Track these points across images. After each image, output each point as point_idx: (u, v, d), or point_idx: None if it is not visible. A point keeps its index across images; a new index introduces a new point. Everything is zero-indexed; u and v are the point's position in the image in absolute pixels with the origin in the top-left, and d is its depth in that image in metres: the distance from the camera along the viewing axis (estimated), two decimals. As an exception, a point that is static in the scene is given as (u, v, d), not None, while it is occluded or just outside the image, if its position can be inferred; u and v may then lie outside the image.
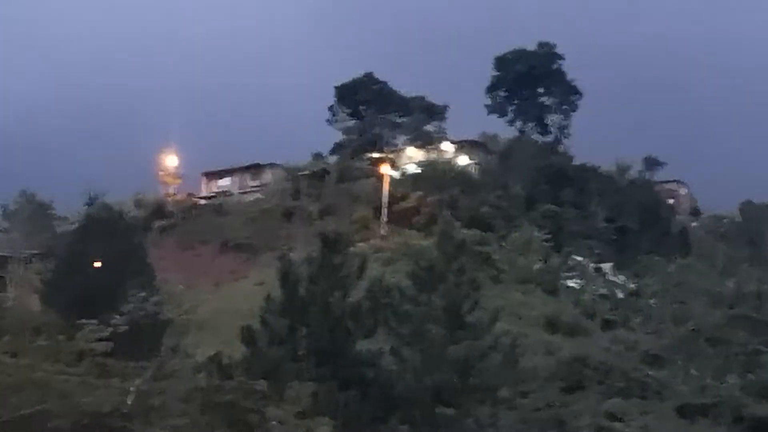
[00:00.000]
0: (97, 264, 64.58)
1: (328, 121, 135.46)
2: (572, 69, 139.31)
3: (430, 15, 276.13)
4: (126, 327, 40.29)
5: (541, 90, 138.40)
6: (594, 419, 59.20)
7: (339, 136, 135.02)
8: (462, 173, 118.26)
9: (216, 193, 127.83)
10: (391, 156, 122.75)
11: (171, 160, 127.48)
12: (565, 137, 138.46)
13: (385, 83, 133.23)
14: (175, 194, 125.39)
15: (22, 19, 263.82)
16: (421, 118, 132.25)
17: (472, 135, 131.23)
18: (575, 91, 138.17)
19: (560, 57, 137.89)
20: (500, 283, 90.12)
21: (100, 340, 34.87)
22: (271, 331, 44.53)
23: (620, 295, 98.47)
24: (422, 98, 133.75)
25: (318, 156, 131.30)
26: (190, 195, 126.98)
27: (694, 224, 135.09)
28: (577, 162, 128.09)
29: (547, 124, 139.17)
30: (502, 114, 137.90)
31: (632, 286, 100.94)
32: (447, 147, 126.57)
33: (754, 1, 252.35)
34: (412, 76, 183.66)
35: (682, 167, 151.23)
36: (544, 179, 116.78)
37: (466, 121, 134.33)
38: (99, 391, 29.70)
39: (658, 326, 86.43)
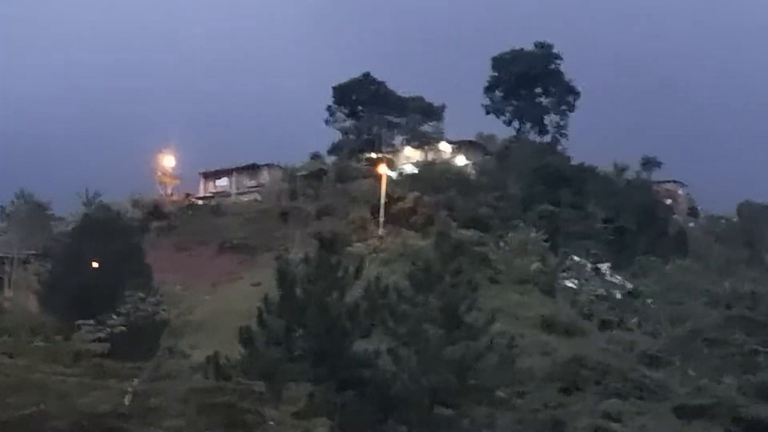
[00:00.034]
0: (95, 265, 64.58)
1: (325, 121, 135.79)
2: (571, 69, 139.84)
3: (429, 15, 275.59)
4: (123, 328, 40.45)
5: (538, 90, 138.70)
6: (591, 420, 59.19)
7: (337, 137, 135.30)
8: (459, 173, 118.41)
9: (213, 193, 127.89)
10: (388, 156, 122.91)
11: (168, 161, 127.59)
12: (562, 137, 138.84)
13: (382, 83, 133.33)
14: (172, 195, 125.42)
15: (21, 20, 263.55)
16: (419, 118, 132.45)
17: (470, 135, 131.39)
18: (573, 91, 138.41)
19: (558, 57, 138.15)
20: (497, 283, 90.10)
21: (98, 340, 34.94)
22: (268, 331, 44.55)
23: (618, 295, 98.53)
24: (420, 98, 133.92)
25: (316, 156, 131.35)
26: (187, 195, 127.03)
27: (691, 224, 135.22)
28: (574, 162, 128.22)
29: (544, 125, 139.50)
30: (500, 114, 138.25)
31: (630, 286, 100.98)
32: (444, 147, 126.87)
33: (753, 1, 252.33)
34: (411, 76, 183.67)
35: (680, 167, 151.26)
36: (541, 179, 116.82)
37: (464, 122, 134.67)
38: (96, 391, 29.72)
39: (656, 327, 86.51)
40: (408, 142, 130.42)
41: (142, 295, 55.93)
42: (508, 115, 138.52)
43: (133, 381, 30.93)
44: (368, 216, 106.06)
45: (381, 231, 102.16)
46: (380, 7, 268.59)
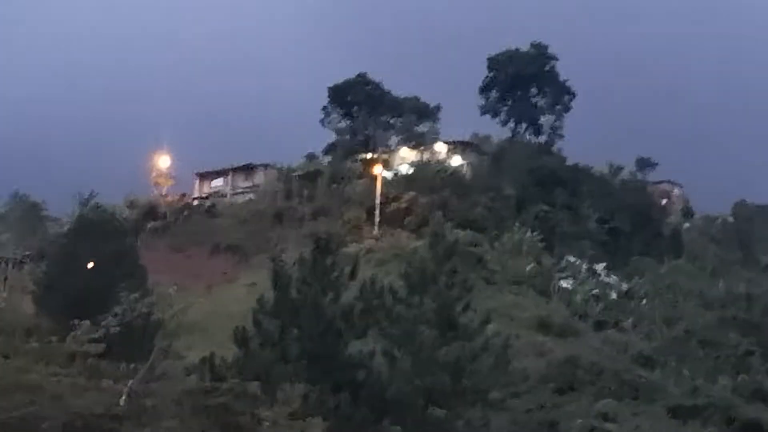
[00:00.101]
0: (90, 266, 64.47)
1: (321, 121, 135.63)
2: (568, 70, 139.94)
3: (426, 16, 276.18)
4: (118, 329, 40.36)
5: (534, 91, 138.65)
6: (586, 420, 59.20)
7: (332, 137, 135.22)
8: (454, 174, 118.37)
9: (209, 193, 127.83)
10: (384, 157, 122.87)
11: (163, 161, 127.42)
12: (558, 138, 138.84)
13: (378, 84, 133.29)
14: (167, 195, 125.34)
15: (21, 20, 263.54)
16: (414, 118, 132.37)
17: (466, 136, 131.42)
18: (568, 92, 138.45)
19: (553, 58, 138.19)
20: (492, 284, 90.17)
21: (93, 341, 34.92)
22: (263, 332, 44.47)
23: (613, 296, 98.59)
24: (415, 99, 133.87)
25: (311, 157, 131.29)
26: (183, 196, 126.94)
27: (686, 225, 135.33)
28: (570, 163, 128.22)
29: (540, 125, 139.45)
30: (495, 115, 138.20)
31: (625, 287, 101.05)
32: (440, 148, 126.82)
33: (751, 2, 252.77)
34: (407, 76, 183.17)
35: (676, 168, 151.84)
36: (536, 180, 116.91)
37: (459, 122, 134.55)
38: (91, 392, 29.76)
39: (651, 327, 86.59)
40: (403, 143, 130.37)
41: (136, 296, 55.72)
42: (503, 115, 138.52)
43: (128, 382, 30.92)
44: (363, 217, 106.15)
45: (376, 232, 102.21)
46: (378, 8, 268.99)
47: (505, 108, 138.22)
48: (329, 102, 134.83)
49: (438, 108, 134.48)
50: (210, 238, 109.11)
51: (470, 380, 45.60)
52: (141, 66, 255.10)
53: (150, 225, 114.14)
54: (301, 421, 33.55)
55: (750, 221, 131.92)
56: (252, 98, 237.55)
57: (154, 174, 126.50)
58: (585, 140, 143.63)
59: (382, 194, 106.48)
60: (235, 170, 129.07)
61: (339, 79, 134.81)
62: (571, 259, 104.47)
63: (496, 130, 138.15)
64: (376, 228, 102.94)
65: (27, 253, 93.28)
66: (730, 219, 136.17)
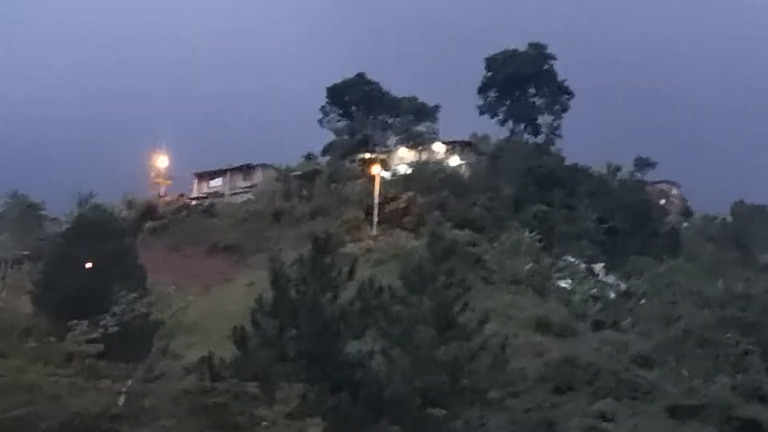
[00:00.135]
0: (88, 265, 64.49)
1: (319, 121, 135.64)
2: (567, 70, 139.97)
3: (426, 16, 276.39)
4: (116, 329, 40.35)
5: (532, 90, 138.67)
6: (584, 420, 59.22)
7: (330, 137, 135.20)
8: (453, 174, 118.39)
9: (207, 193, 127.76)
10: (382, 157, 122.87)
11: (162, 161, 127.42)
12: (556, 137, 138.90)
13: (376, 84, 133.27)
14: (165, 195, 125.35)
15: (21, 20, 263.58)
16: (412, 118, 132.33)
17: (464, 136, 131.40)
18: (566, 92, 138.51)
19: (551, 57, 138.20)
20: (491, 284, 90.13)
21: (91, 341, 34.89)
22: (261, 332, 44.49)
23: (611, 295, 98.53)
24: (413, 99, 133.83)
25: (309, 156, 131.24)
26: (181, 196, 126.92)
27: (685, 225, 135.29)
28: (568, 162, 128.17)
29: (538, 125, 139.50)
30: (494, 114, 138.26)
31: (623, 286, 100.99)
32: (438, 148, 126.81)
33: (749, 2, 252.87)
34: (407, 76, 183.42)
35: (674, 168, 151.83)
36: (534, 180, 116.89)
37: (458, 122, 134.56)
38: (88, 392, 29.75)
39: (649, 327, 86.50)
40: (401, 143, 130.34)
41: (135, 295, 55.77)
42: (501, 115, 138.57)
43: (126, 382, 30.92)
44: (362, 216, 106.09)
45: (374, 231, 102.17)
46: (377, 8, 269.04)
47: (504, 108, 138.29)
48: (327, 102, 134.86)
49: (436, 108, 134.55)
50: (208, 238, 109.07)
51: (468, 380, 45.68)
52: (141, 66, 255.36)
53: (148, 225, 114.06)
54: (299, 420, 33.56)
55: (748, 221, 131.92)
56: (251, 98, 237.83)
57: (152, 174, 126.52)
58: (584, 140, 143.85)
59: (380, 194, 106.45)
60: (234, 170, 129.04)
61: (338, 79, 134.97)
62: (570, 258, 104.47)
63: (495, 130, 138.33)
64: (374, 228, 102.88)
65: (25, 252, 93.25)
66: (729, 219, 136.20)
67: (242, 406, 31.61)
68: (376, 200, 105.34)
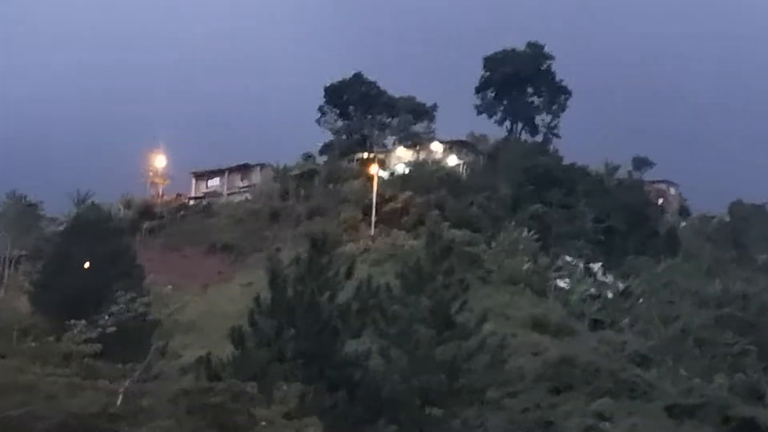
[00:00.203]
0: (86, 265, 64.53)
1: (317, 121, 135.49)
2: (566, 69, 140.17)
3: (424, 16, 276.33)
4: (114, 328, 40.36)
5: (530, 90, 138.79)
6: (582, 419, 59.23)
7: (328, 137, 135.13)
8: (450, 174, 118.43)
9: (205, 193, 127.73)
10: (380, 156, 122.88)
11: (160, 161, 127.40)
12: (554, 137, 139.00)
13: (374, 83, 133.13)
14: (163, 195, 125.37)
15: (21, 20, 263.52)
16: (410, 118, 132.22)
17: (462, 135, 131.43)
18: (564, 91, 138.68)
19: (549, 57, 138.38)
20: (488, 283, 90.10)
21: (89, 341, 34.90)
22: (259, 332, 44.49)
23: (609, 295, 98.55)
24: (411, 99, 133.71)
25: (307, 156, 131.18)
26: (179, 195, 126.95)
27: (683, 224, 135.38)
28: (566, 162, 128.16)
29: (536, 124, 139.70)
30: (491, 114, 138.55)
31: (621, 286, 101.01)
32: (436, 147, 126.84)
33: (749, 2, 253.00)
34: (405, 76, 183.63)
35: (672, 167, 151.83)
36: (531, 180, 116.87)
37: (456, 122, 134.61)
38: (86, 392, 29.72)
39: (647, 326, 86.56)
40: (399, 143, 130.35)
41: (132, 295, 55.77)
42: (499, 115, 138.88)
43: (124, 382, 30.90)
44: (359, 216, 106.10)
45: (372, 231, 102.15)
46: (376, 8, 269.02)
47: (501, 107, 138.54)
48: (325, 102, 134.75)
49: (434, 108, 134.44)
50: (206, 238, 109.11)
51: (466, 379, 45.65)
52: (141, 66, 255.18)
53: (146, 224, 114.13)
54: (297, 420, 33.52)
55: (746, 221, 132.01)
56: (250, 98, 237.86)
57: (150, 174, 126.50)
58: (584, 140, 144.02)
59: (378, 194, 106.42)
60: (231, 170, 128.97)
61: (337, 79, 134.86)
62: (567, 258, 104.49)
63: (492, 130, 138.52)
64: (372, 228, 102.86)
65: (23, 252, 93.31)
66: (726, 218, 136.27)
67: (240, 406, 31.58)
68: (374, 200, 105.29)
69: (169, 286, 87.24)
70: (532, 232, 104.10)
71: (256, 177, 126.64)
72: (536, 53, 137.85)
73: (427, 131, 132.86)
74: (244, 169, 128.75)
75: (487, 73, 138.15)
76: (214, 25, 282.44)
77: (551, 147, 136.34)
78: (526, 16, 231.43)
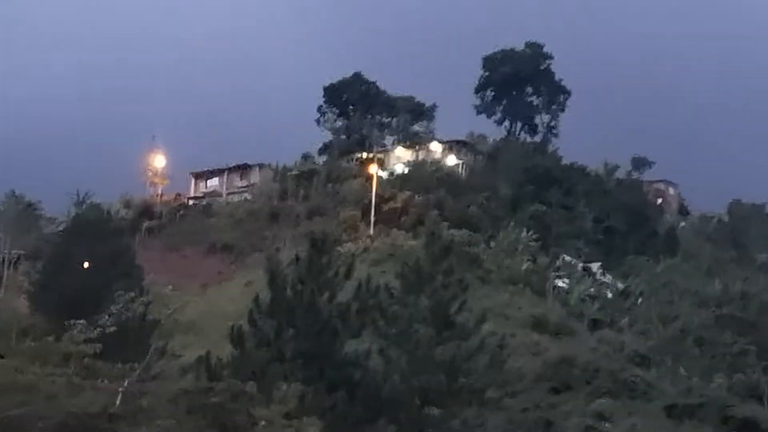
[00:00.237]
0: (85, 265, 64.52)
1: (317, 121, 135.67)
2: (567, 69, 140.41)
3: (423, 16, 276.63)
4: (114, 328, 40.29)
5: (529, 90, 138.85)
6: (581, 420, 59.20)
7: (328, 137, 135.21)
8: (450, 173, 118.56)
9: (204, 193, 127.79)
10: (379, 156, 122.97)
11: (159, 161, 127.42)
12: (553, 137, 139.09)
13: (373, 83, 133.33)
14: (162, 195, 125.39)
15: (21, 20, 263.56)
16: (409, 118, 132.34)
17: (462, 135, 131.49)
18: (564, 91, 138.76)
19: (548, 57, 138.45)
20: (488, 283, 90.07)
21: (88, 341, 34.84)
22: (259, 332, 44.48)
23: (608, 295, 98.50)
24: (410, 98, 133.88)
25: (307, 156, 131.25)
26: (178, 195, 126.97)
27: (682, 224, 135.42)
28: (566, 162, 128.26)
29: (535, 124, 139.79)
30: (491, 114, 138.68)
31: (620, 286, 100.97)
32: (435, 147, 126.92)
33: (749, 2, 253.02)
34: (404, 76, 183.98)
35: (671, 167, 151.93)
36: (531, 180, 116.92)
37: (456, 121, 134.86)
38: (86, 392, 29.70)
39: (646, 326, 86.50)
40: (399, 142, 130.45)
41: (132, 295, 55.74)
42: (498, 114, 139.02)
43: (123, 382, 30.89)
44: (359, 216, 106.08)
45: (371, 231, 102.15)
46: (376, 8, 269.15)
47: (501, 107, 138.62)
48: (325, 101, 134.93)
49: (433, 107, 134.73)
50: (205, 238, 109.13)
51: (466, 379, 45.65)
52: (141, 66, 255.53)
53: (146, 224, 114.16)
54: (297, 420, 33.49)
55: (745, 220, 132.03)
56: (250, 98, 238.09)
57: (150, 174, 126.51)
58: (584, 140, 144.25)
59: (377, 194, 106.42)
60: (231, 170, 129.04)
61: (336, 79, 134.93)
62: (567, 258, 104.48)
63: (492, 130, 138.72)
64: (371, 227, 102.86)
65: (23, 252, 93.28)
66: (726, 218, 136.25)
67: (240, 406, 31.57)
68: (374, 200, 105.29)
69: (169, 286, 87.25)
70: (531, 232, 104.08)
71: (255, 177, 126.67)
72: (535, 53, 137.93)
73: (427, 131, 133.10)
74: (243, 169, 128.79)
75: (487, 73, 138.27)
76: (214, 25, 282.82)
77: (550, 147, 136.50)
78: (525, 16, 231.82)
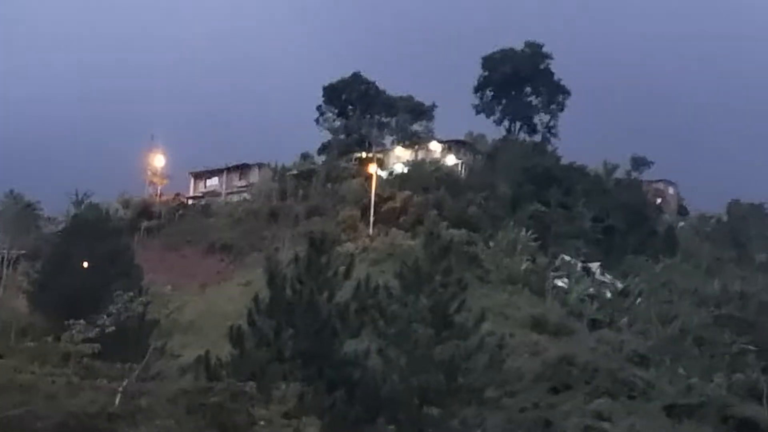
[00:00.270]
0: (84, 265, 64.51)
1: (316, 120, 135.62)
2: (567, 69, 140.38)
3: (423, 15, 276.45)
4: (113, 328, 40.27)
5: (528, 90, 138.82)
6: (581, 419, 59.25)
7: (327, 136, 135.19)
8: (449, 173, 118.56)
9: (204, 193, 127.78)
10: (378, 156, 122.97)
11: (158, 161, 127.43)
12: (552, 136, 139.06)
13: (372, 83, 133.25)
14: (161, 195, 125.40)
15: (21, 20, 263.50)
16: (408, 117, 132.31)
17: (461, 135, 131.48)
18: (563, 91, 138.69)
19: (548, 57, 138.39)
20: (487, 283, 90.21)
21: (87, 341, 34.81)
22: (258, 331, 44.48)
23: (608, 295, 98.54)
24: (409, 98, 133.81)
25: (306, 156, 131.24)
26: (177, 195, 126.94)
27: (681, 224, 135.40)
28: (565, 162, 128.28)
29: (534, 124, 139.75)
30: (490, 114, 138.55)
31: (620, 285, 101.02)
32: (434, 147, 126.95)
33: (749, 2, 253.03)
34: (404, 76, 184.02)
35: (671, 167, 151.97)
36: (530, 179, 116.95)
37: (456, 121, 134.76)
38: (85, 392, 29.65)
39: (646, 326, 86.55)
40: (398, 142, 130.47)
41: (131, 295, 55.74)
42: (497, 114, 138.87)
43: (122, 382, 30.87)
44: (358, 216, 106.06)
45: (371, 231, 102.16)
46: (376, 8, 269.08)
47: (500, 107, 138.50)
48: (324, 101, 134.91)
49: (433, 107, 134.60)
50: (204, 238, 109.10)
51: (465, 379, 45.63)
52: (141, 66, 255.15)
53: (145, 224, 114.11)
54: (296, 420, 33.47)
55: (744, 220, 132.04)
56: (250, 98, 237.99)
57: (149, 173, 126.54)
58: (583, 140, 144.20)
59: (376, 193, 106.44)
60: (230, 170, 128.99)
61: (336, 79, 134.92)
62: (566, 257, 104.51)
63: (491, 129, 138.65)
64: (370, 227, 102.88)
65: (22, 252, 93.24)
66: (725, 218, 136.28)
67: (239, 406, 31.49)
68: (373, 199, 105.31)
69: (168, 286, 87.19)
70: (530, 232, 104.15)
71: (254, 177, 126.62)
72: (535, 53, 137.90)
73: (426, 131, 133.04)
74: (242, 168, 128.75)
75: (486, 73, 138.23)
76: (213, 25, 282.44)
77: (550, 147, 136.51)
78: (525, 16, 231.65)
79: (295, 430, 32.73)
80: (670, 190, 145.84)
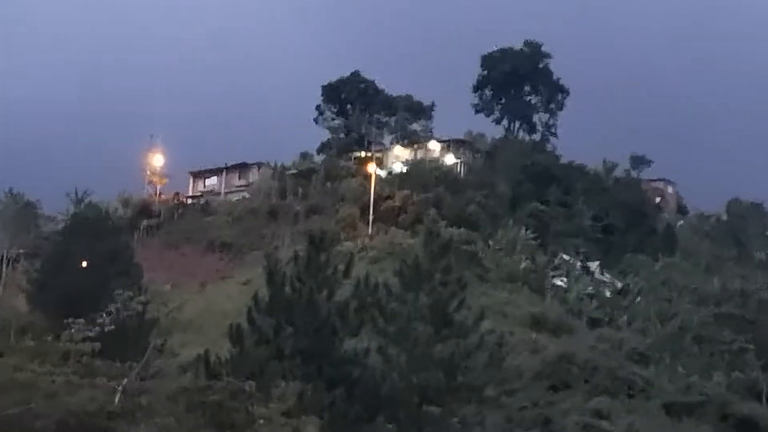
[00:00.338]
0: (84, 264, 64.56)
1: (315, 120, 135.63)
2: (567, 69, 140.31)
3: (422, 15, 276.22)
4: (112, 327, 40.29)
5: (527, 89, 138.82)
6: (580, 417, 59.29)
7: (326, 135, 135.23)
8: (448, 172, 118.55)
9: (203, 192, 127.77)
10: (377, 155, 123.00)
11: (157, 160, 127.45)
12: (552, 136, 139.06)
13: (371, 82, 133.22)
14: (161, 194, 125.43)
15: (21, 20, 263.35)
16: (407, 116, 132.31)
17: (460, 134, 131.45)
18: (562, 90, 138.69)
19: (547, 56, 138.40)
20: (487, 281, 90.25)
21: (87, 339, 34.84)
22: (257, 330, 44.48)
23: (607, 293, 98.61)
24: (409, 97, 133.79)
25: (305, 155, 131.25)
26: (176, 194, 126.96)
27: (680, 222, 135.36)
28: (564, 161, 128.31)
29: (533, 123, 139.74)
30: (489, 113, 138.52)
31: (619, 284, 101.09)
32: (434, 146, 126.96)
33: (749, 2, 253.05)
34: (403, 74, 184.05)
35: (670, 166, 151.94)
36: (529, 178, 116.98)
37: (455, 120, 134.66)
38: (85, 390, 29.67)
39: (645, 324, 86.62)
40: (397, 141, 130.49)
41: (131, 293, 55.78)
42: (497, 113, 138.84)
43: (122, 380, 30.89)
44: (357, 214, 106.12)
45: (370, 229, 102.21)
46: (376, 8, 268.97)
47: (499, 106, 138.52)
48: (323, 100, 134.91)
49: (432, 106, 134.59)
50: (204, 236, 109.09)
51: (464, 377, 45.62)
52: (141, 66, 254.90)
53: (144, 223, 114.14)
54: (295, 418, 33.49)
55: (744, 218, 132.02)
56: (250, 98, 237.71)
57: (148, 173, 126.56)
58: (582, 139, 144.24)
59: (375, 192, 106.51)
60: (229, 169, 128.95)
61: (335, 78, 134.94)
62: (565, 256, 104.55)
63: (490, 129, 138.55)
64: (370, 226, 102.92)
65: (21, 251, 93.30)
66: (724, 216, 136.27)
67: (238, 404, 31.50)
68: (372, 198, 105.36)
69: (168, 285, 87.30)
70: (530, 231, 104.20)
71: (253, 176, 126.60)
72: (534, 52, 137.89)
73: (425, 130, 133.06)
74: (241, 167, 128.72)
75: (485, 72, 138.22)
76: (213, 25, 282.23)
77: (549, 145, 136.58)
78: (524, 16, 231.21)
79: (294, 428, 32.74)
80: (670, 189, 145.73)
